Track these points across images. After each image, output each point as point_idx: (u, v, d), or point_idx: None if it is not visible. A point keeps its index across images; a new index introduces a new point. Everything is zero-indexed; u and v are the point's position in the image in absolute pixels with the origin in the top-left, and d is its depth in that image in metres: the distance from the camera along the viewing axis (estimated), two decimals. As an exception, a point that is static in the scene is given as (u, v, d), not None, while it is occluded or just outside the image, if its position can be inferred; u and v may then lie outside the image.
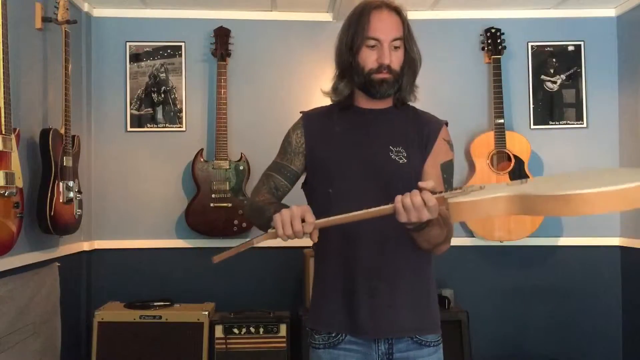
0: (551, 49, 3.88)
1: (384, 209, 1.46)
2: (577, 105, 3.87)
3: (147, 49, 3.81)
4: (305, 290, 3.46)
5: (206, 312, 3.40)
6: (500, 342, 3.81)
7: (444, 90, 3.78)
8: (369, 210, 1.45)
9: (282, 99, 3.81)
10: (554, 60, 3.88)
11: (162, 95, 3.81)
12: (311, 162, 1.79)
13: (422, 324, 1.73)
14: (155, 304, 3.47)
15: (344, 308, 1.71)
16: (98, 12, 3.79)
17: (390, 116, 1.78)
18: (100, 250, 3.73)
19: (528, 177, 3.66)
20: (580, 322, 3.80)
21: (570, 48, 3.88)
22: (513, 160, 3.65)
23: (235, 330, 3.37)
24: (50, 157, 2.88)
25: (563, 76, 3.87)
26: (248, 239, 1.54)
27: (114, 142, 3.78)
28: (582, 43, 3.87)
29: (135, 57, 3.80)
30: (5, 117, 2.41)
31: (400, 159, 1.71)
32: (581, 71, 3.86)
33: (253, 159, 3.64)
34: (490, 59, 3.76)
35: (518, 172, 3.64)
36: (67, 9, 3.02)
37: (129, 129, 3.79)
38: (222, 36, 3.71)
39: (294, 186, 1.84)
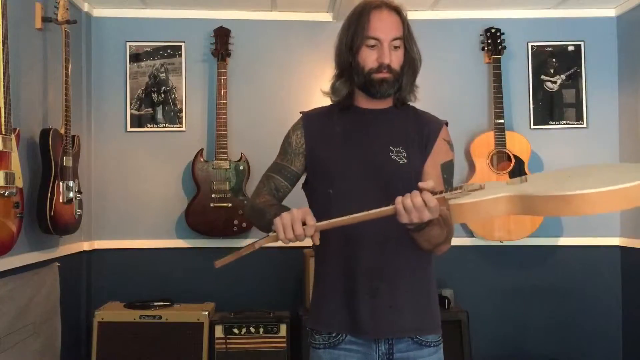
0: (551, 49, 3.87)
1: (385, 210, 1.46)
2: (577, 105, 3.87)
3: (147, 49, 3.81)
4: (305, 290, 3.46)
5: (206, 312, 3.40)
6: (500, 342, 3.81)
7: (444, 90, 3.78)
8: (370, 212, 1.46)
9: (282, 99, 3.81)
10: (554, 60, 3.88)
11: (162, 95, 3.81)
12: (311, 163, 1.79)
13: (422, 324, 1.73)
14: (155, 304, 3.47)
15: (345, 308, 1.71)
16: (98, 12, 3.79)
17: (390, 116, 1.78)
18: (100, 250, 3.73)
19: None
20: (580, 322, 3.80)
21: (570, 48, 3.88)
22: (513, 160, 3.65)
23: (235, 330, 3.37)
24: (50, 157, 2.88)
25: (563, 76, 3.87)
26: (249, 243, 1.54)
27: (114, 142, 3.78)
28: (582, 43, 3.87)
29: (135, 57, 3.80)
30: (5, 117, 2.41)
31: (401, 159, 1.71)
32: (581, 71, 3.86)
33: (253, 159, 3.64)
34: (490, 59, 3.76)
35: (518, 172, 3.64)
36: (67, 9, 3.02)
37: (129, 129, 3.79)
38: (222, 36, 3.71)
39: (294, 187, 1.84)
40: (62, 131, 2.98)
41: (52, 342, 3.06)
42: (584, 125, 3.85)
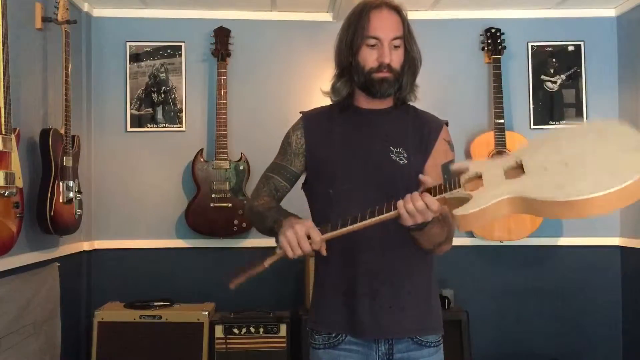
0: (551, 49, 3.87)
1: (388, 215, 1.47)
2: (577, 105, 3.87)
3: (147, 49, 3.81)
4: (305, 290, 3.46)
5: (206, 312, 3.40)
6: (500, 342, 3.81)
7: (444, 90, 3.78)
8: (373, 219, 1.47)
9: (282, 99, 3.81)
10: (554, 60, 3.88)
11: (162, 95, 3.81)
12: (311, 163, 1.79)
13: (422, 325, 1.73)
14: (155, 304, 3.47)
15: (345, 308, 1.71)
16: (98, 12, 3.79)
17: (390, 117, 1.78)
18: (100, 250, 3.73)
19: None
20: (580, 322, 3.80)
21: (570, 48, 3.88)
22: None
23: (235, 330, 3.37)
24: (50, 157, 2.88)
25: (563, 76, 3.87)
26: (260, 262, 1.54)
27: (114, 142, 3.78)
28: (582, 43, 3.87)
29: (135, 57, 3.80)
30: (5, 117, 2.41)
31: (401, 159, 1.71)
32: (581, 71, 3.86)
33: (253, 159, 3.64)
34: (490, 59, 3.76)
35: (518, 172, 3.64)
36: (67, 9, 3.02)
37: (129, 129, 3.79)
38: (222, 36, 3.71)
39: (293, 187, 1.84)
40: (62, 131, 2.98)
41: (52, 342, 3.06)
42: (584, 125, 3.85)
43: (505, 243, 3.70)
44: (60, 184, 2.92)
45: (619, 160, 1.26)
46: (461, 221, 1.35)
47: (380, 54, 1.69)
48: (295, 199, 1.89)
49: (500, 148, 3.66)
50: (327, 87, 1.82)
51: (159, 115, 3.81)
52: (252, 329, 3.38)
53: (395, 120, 1.77)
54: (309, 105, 1.90)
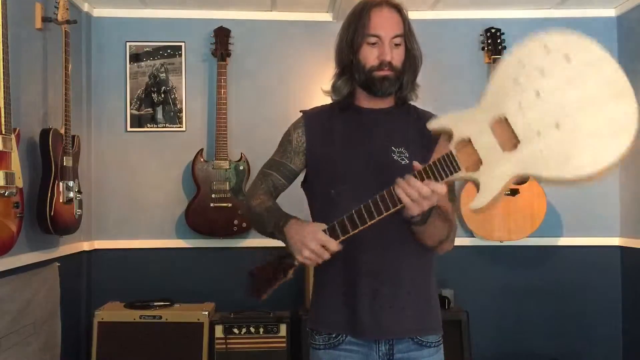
0: (551, 49, 3.87)
1: (395, 209, 1.49)
2: (577, 105, 3.86)
3: (147, 49, 3.81)
4: (305, 290, 3.46)
5: (206, 312, 3.40)
6: (500, 342, 3.81)
7: (444, 90, 3.78)
8: (382, 215, 1.50)
9: (282, 99, 3.81)
10: (554, 60, 3.87)
11: (162, 95, 3.81)
12: (312, 162, 1.78)
13: (423, 325, 1.73)
14: (155, 304, 3.47)
15: (345, 309, 1.71)
16: (98, 12, 3.79)
17: (391, 116, 1.77)
18: (100, 250, 3.73)
19: (528, 178, 3.65)
20: (580, 322, 3.80)
21: (570, 48, 3.88)
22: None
23: (235, 330, 3.37)
24: (50, 157, 2.88)
25: (563, 76, 3.87)
26: (281, 275, 1.61)
27: (114, 142, 3.78)
28: (582, 43, 3.86)
29: (135, 57, 3.80)
30: (5, 117, 2.41)
31: (402, 159, 1.71)
32: (581, 71, 3.85)
33: (253, 159, 3.64)
34: (490, 59, 3.75)
35: (518, 172, 3.64)
36: (67, 9, 3.02)
37: (129, 129, 3.79)
38: (222, 36, 3.70)
39: (291, 184, 1.84)
40: (62, 131, 2.98)
41: (52, 342, 3.06)
42: (584, 125, 3.84)
43: (505, 243, 3.70)
44: (60, 184, 2.92)
45: (610, 116, 1.28)
46: (476, 213, 1.39)
47: (381, 52, 1.69)
48: (296, 199, 1.89)
49: (500, 148, 3.65)
50: (328, 86, 1.82)
51: (159, 115, 3.81)
52: (252, 329, 3.38)
53: (396, 120, 1.77)
54: (309, 105, 1.90)
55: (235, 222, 3.61)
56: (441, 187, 1.45)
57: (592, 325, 3.80)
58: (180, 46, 3.82)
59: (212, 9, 3.82)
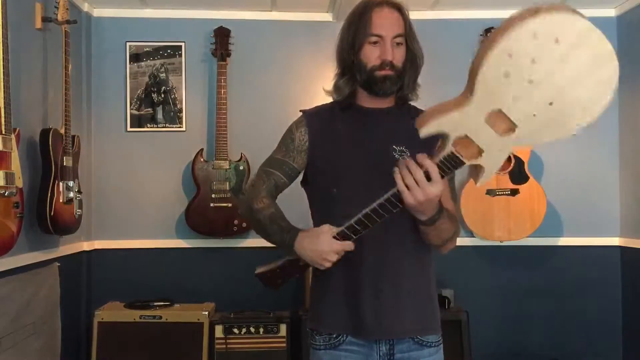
0: (551, 49, 3.87)
1: (396, 207, 1.51)
2: (577, 105, 3.86)
3: (147, 49, 3.81)
4: (305, 290, 3.45)
5: (206, 312, 3.40)
6: (500, 342, 3.81)
7: (444, 90, 3.76)
8: (389, 215, 1.52)
9: (282, 99, 3.81)
10: (554, 60, 3.87)
11: (162, 95, 3.81)
12: (314, 161, 1.78)
13: (423, 325, 1.73)
14: (155, 304, 3.47)
15: (347, 309, 1.71)
16: (98, 12, 3.79)
17: (392, 115, 1.78)
18: (100, 250, 3.73)
19: (529, 177, 3.66)
20: (580, 322, 3.80)
21: (570, 48, 3.87)
22: (513, 160, 3.65)
23: (235, 330, 3.37)
24: (50, 157, 2.88)
25: (563, 76, 3.87)
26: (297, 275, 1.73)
27: (114, 142, 3.78)
28: (582, 43, 3.86)
29: (135, 57, 3.80)
30: (5, 117, 2.41)
31: (404, 158, 1.71)
32: (581, 71, 3.85)
33: (253, 159, 3.64)
34: (490, 59, 3.75)
35: (518, 172, 3.64)
36: (67, 9, 3.02)
37: (129, 129, 3.79)
38: (222, 36, 3.70)
39: (292, 183, 1.84)
40: (62, 131, 2.98)
41: (52, 342, 3.06)
42: (584, 125, 3.83)
43: (505, 243, 3.70)
44: (60, 184, 2.92)
45: (598, 79, 1.38)
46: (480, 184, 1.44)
47: (382, 51, 1.69)
48: (295, 198, 1.89)
49: (500, 148, 3.65)
50: (329, 86, 1.82)
51: (159, 115, 3.81)
52: (252, 329, 3.38)
53: (397, 119, 1.77)
54: (309, 105, 1.89)
55: (235, 222, 3.61)
56: (432, 165, 1.43)
57: (592, 325, 3.80)
58: (180, 46, 3.82)
59: (212, 9, 3.82)
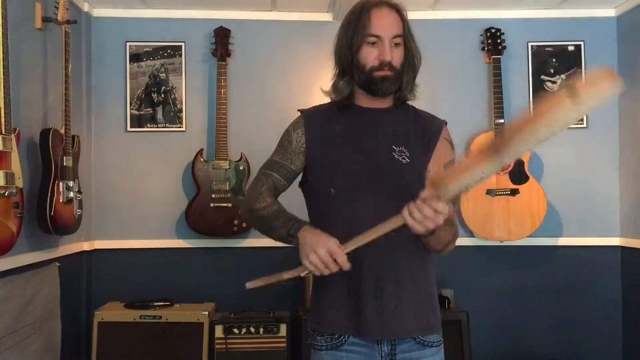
0: (551, 49, 3.87)
1: (397, 221, 1.49)
2: (577, 105, 3.86)
3: (147, 49, 3.81)
4: (306, 290, 3.45)
5: (206, 312, 3.40)
6: (500, 342, 3.81)
7: (444, 90, 3.78)
8: (386, 228, 1.49)
9: (282, 99, 3.81)
10: (554, 60, 3.88)
11: (162, 95, 3.81)
12: (312, 162, 1.78)
13: (425, 324, 1.73)
14: (155, 304, 3.47)
15: (349, 309, 1.71)
16: (98, 12, 3.79)
17: (391, 116, 1.78)
18: (100, 250, 3.73)
19: (529, 178, 3.66)
20: (580, 322, 3.80)
21: (570, 48, 3.88)
22: (513, 161, 3.65)
23: (235, 330, 3.37)
24: (50, 157, 2.88)
25: (563, 76, 3.87)
26: (279, 274, 1.63)
27: (114, 142, 3.78)
28: (582, 43, 3.87)
29: (135, 57, 3.80)
30: (5, 117, 2.41)
31: (404, 158, 1.71)
32: (581, 71, 3.86)
33: (253, 159, 3.64)
34: (490, 59, 3.75)
35: (518, 173, 3.64)
36: (67, 9, 3.01)
37: (129, 129, 3.79)
38: (222, 36, 3.70)
39: (291, 185, 1.84)
40: (62, 131, 2.98)
41: (52, 342, 3.06)
42: (584, 125, 3.84)
43: (505, 243, 3.70)
44: (60, 184, 2.92)
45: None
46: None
47: (381, 52, 1.69)
48: (295, 198, 1.89)
49: (500, 148, 3.65)
50: (328, 86, 1.82)
51: (159, 115, 3.81)
52: (252, 329, 3.37)
53: (396, 119, 1.77)
54: (309, 105, 1.89)
55: (235, 222, 3.61)
56: (442, 206, 1.43)
57: (592, 325, 3.80)
58: (180, 46, 3.82)
59: (212, 9, 3.82)
